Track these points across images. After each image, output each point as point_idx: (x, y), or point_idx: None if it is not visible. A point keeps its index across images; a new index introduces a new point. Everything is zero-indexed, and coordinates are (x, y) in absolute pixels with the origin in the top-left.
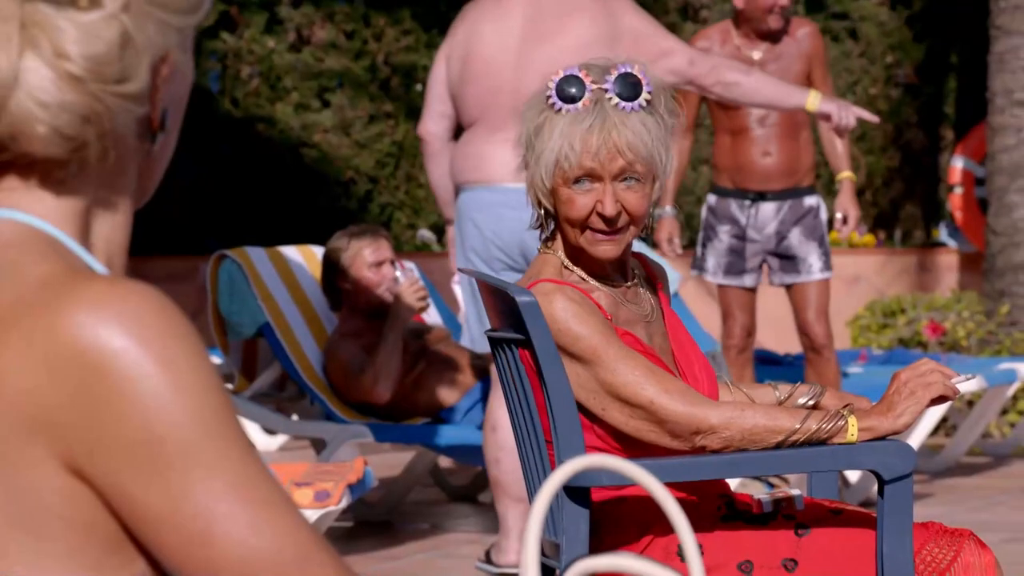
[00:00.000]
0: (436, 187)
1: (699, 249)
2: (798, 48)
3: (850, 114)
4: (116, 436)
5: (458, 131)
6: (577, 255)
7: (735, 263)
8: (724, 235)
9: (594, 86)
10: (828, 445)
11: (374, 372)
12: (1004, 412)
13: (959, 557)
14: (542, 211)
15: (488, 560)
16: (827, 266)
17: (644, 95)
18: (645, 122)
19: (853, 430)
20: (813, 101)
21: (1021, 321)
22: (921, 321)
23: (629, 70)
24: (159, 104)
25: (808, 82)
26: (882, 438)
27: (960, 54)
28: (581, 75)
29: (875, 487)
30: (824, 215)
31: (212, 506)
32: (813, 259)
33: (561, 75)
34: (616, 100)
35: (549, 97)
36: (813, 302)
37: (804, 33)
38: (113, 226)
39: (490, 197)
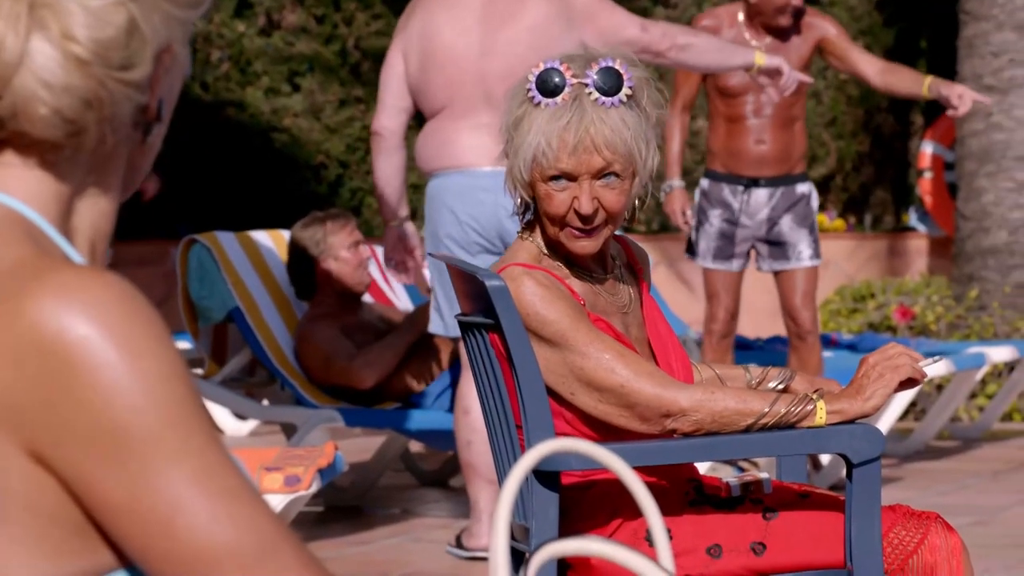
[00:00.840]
0: (385, 184)
1: (693, 233)
2: (802, 40)
3: (794, 74)
4: (78, 424)
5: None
6: (555, 245)
7: (724, 247)
8: (715, 219)
9: (574, 80)
10: (797, 429)
11: (367, 360)
12: (973, 396)
13: (926, 540)
14: (519, 200)
15: (459, 545)
16: (816, 254)
17: (625, 89)
18: (625, 117)
19: (821, 413)
20: (760, 59)
21: (990, 305)
22: (891, 305)
23: (611, 64)
24: (157, 94)
25: (808, 69)
26: (852, 421)
27: (930, 39)
28: (561, 68)
29: (844, 470)
30: (815, 202)
31: (174, 495)
32: (803, 246)
33: (542, 67)
34: (596, 95)
35: (529, 90)
36: (800, 288)
37: (814, 26)
38: (99, 214)
39: (465, 181)
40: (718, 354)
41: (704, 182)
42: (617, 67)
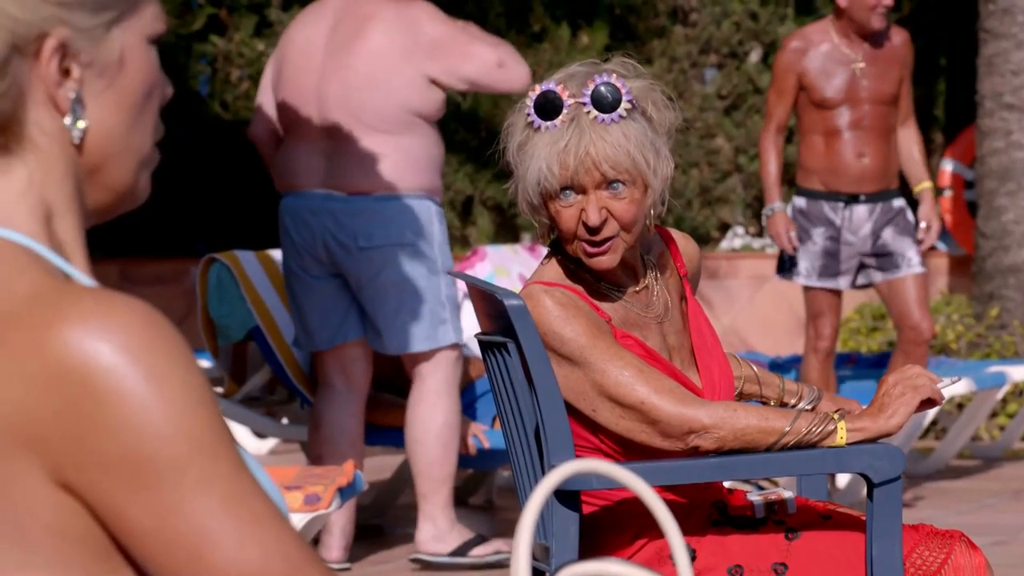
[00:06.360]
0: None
1: (786, 253)
2: (895, 54)
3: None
4: (105, 452)
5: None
6: (580, 262)
7: (830, 265)
8: (818, 237)
9: (571, 100)
10: (818, 448)
11: (375, 403)
12: (993, 415)
13: (950, 559)
14: (537, 222)
15: None
16: (923, 261)
17: (624, 104)
18: (626, 131)
19: (842, 433)
20: None
21: (1010, 324)
22: None
23: (608, 79)
24: (54, 85)
25: (900, 89)
26: (874, 439)
27: (949, 57)
28: (558, 90)
29: (864, 489)
30: (911, 216)
31: (201, 522)
32: (911, 253)
33: (538, 91)
34: (594, 113)
35: (528, 115)
36: (914, 295)
37: (901, 40)
38: (71, 226)
39: (299, 203)
40: (824, 373)
41: (800, 201)
42: (614, 82)
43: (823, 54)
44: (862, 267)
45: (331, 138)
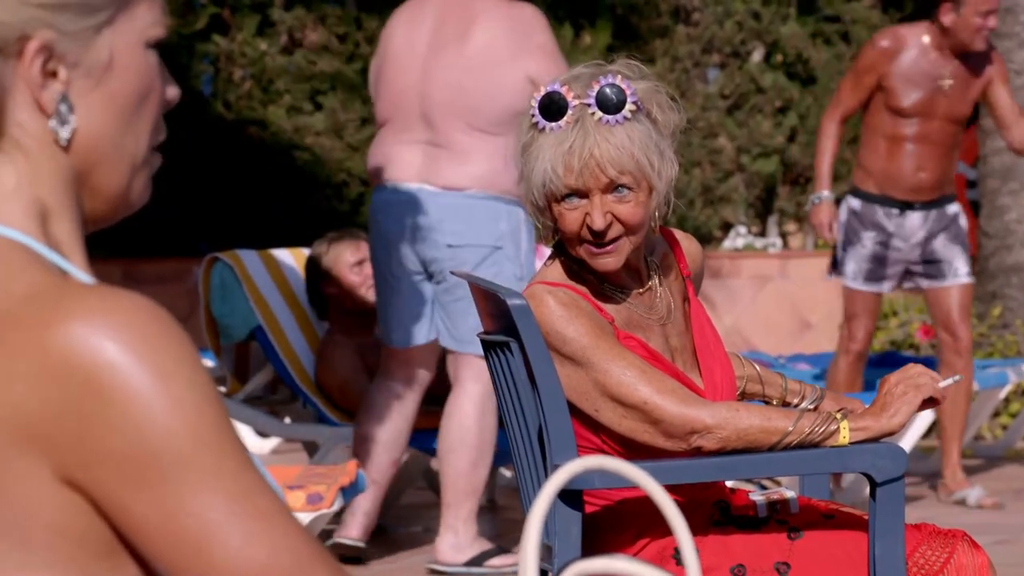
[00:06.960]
0: None
1: (839, 251)
2: (980, 75)
3: None
4: (110, 449)
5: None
6: (583, 263)
7: (876, 270)
8: (868, 241)
9: (576, 101)
10: (821, 448)
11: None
12: (996, 415)
13: (952, 558)
14: (541, 223)
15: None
16: (971, 271)
17: (629, 105)
18: (631, 133)
19: (845, 432)
20: None
21: (1013, 324)
22: (913, 323)
23: (613, 80)
24: (37, 87)
25: (975, 106)
26: (876, 439)
27: None
28: (563, 91)
29: (867, 489)
30: (964, 221)
31: (207, 518)
32: (959, 263)
33: (543, 92)
34: (599, 114)
35: (533, 115)
36: (957, 304)
37: (991, 58)
38: (68, 228)
39: (392, 197)
40: (852, 374)
41: (855, 202)
42: (619, 83)
43: (911, 60)
44: (908, 273)
45: (430, 134)
